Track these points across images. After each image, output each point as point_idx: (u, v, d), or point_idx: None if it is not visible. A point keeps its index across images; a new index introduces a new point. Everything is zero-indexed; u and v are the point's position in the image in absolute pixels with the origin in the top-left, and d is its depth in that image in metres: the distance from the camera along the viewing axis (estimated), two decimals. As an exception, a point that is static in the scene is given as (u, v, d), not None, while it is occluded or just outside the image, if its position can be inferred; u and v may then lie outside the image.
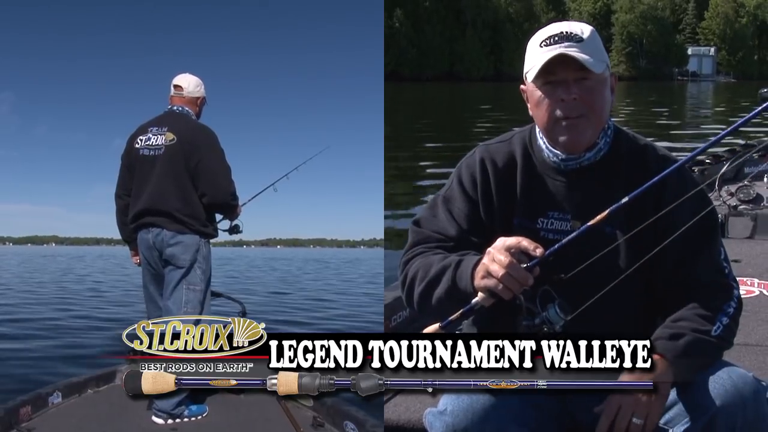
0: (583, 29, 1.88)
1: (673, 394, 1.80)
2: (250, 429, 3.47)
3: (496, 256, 1.75)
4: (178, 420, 3.43)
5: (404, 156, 18.96)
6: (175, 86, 3.69)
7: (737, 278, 2.01)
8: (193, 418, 3.48)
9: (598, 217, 1.80)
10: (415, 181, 14.86)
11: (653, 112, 36.53)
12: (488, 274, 1.76)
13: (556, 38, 1.85)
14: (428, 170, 15.60)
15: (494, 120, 25.94)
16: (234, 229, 3.88)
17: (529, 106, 1.95)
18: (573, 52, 1.82)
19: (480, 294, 1.78)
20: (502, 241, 1.78)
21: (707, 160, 7.41)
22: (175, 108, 3.66)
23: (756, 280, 4.57)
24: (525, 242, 1.76)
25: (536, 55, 1.87)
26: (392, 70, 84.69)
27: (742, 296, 1.97)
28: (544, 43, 1.86)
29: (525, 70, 1.91)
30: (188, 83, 3.69)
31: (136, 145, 3.58)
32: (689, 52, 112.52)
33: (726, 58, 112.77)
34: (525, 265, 1.75)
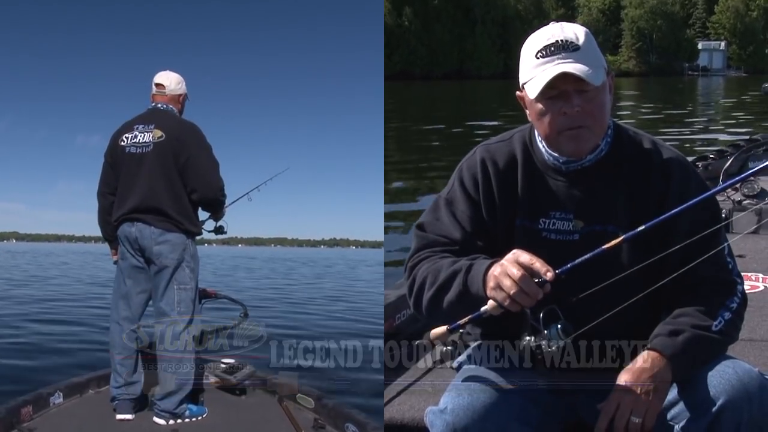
0: (578, 34, 1.84)
1: (677, 390, 1.79)
2: (251, 431, 3.45)
3: (509, 269, 1.73)
4: (179, 420, 3.41)
5: (412, 154, 18.94)
6: (157, 84, 3.66)
7: (742, 273, 1.99)
8: (193, 419, 3.45)
9: (613, 242, 1.77)
10: (423, 181, 14.77)
11: (663, 106, 36.40)
12: (498, 287, 1.74)
13: (552, 48, 1.82)
14: (436, 170, 15.51)
15: (504, 116, 25.84)
16: (219, 230, 3.87)
17: (528, 113, 1.93)
18: (571, 64, 1.80)
19: (490, 302, 1.76)
20: (516, 255, 1.75)
21: (711, 155, 7.36)
22: (159, 105, 3.64)
23: (761, 275, 4.52)
24: (538, 264, 1.72)
25: (533, 67, 1.85)
26: (402, 68, 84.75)
27: (746, 291, 1.95)
28: (540, 54, 1.83)
29: (522, 80, 1.89)
30: (170, 81, 3.67)
31: (122, 143, 3.54)
32: (699, 46, 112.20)
33: (737, 53, 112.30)
34: (537, 281, 1.72)
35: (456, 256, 1.94)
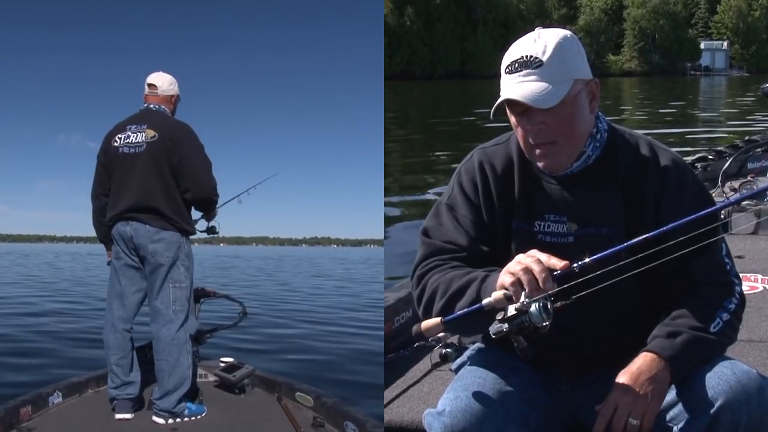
0: (548, 47, 1.82)
1: (676, 392, 1.78)
2: (250, 429, 3.44)
3: (523, 258, 1.72)
4: (178, 419, 3.40)
5: (415, 155, 18.94)
6: (150, 85, 3.67)
7: (741, 274, 1.99)
8: (192, 418, 3.45)
9: (636, 240, 1.73)
10: (424, 187, 14.74)
11: (665, 106, 36.37)
12: (508, 272, 1.73)
13: (516, 65, 1.82)
14: (439, 174, 15.48)
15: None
16: (211, 230, 3.89)
17: None
18: (528, 84, 1.80)
19: (494, 294, 1.72)
20: (533, 252, 1.74)
21: (710, 156, 7.37)
22: (151, 106, 3.64)
23: (760, 276, 4.51)
24: (554, 259, 1.70)
25: (502, 83, 1.86)
26: (404, 68, 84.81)
27: (745, 292, 1.95)
28: (507, 69, 1.84)
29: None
30: (162, 81, 3.68)
31: (114, 144, 3.53)
32: (702, 46, 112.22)
33: (739, 52, 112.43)
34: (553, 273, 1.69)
35: (463, 263, 1.94)
